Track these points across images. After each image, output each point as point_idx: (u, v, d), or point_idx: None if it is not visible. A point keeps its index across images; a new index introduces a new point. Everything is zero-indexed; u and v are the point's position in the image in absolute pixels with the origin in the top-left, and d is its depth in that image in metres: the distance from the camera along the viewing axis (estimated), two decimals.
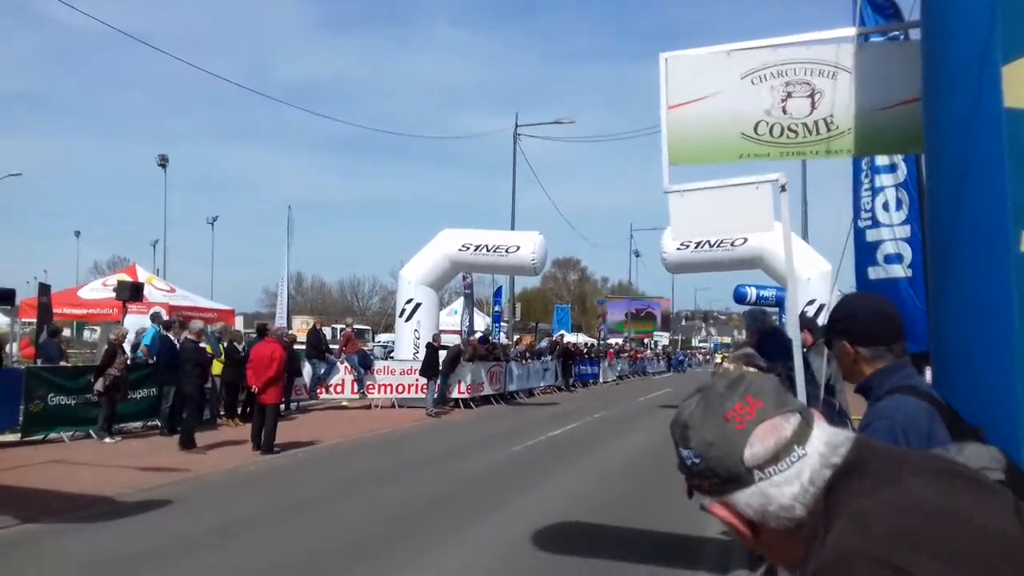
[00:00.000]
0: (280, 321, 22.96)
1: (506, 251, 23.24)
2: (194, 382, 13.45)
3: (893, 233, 7.85)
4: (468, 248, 23.25)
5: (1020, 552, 1.05)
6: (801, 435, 1.19)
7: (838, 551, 1.08)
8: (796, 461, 1.18)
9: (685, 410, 1.27)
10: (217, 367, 16.31)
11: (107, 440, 13.55)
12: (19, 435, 13.13)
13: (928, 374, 3.94)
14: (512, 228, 30.98)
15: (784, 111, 4.76)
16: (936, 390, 3.82)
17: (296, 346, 19.82)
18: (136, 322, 17.69)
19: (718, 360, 57.08)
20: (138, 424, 15.24)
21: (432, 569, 6.89)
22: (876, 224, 8.02)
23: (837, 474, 1.17)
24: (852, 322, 2.81)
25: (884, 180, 8.00)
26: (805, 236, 25.83)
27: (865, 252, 8.15)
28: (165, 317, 17.26)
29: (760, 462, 1.18)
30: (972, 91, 3.37)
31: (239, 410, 16.67)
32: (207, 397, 15.67)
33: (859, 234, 8.30)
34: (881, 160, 7.91)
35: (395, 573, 6.74)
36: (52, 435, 13.52)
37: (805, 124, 4.73)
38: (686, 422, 1.25)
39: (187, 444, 12.78)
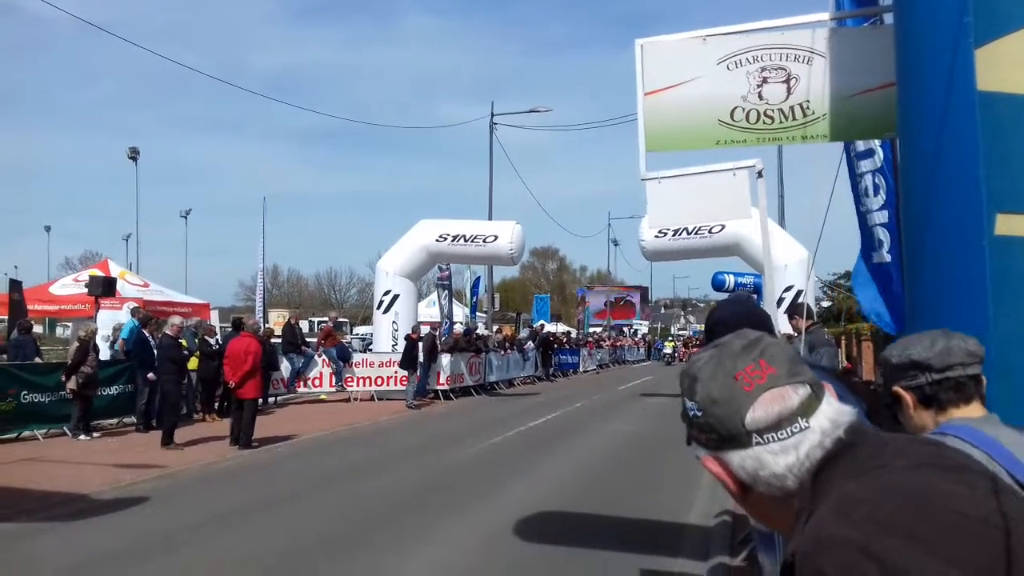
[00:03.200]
0: (258, 316, 22.77)
1: (484, 241, 23.17)
2: (173, 379, 13.22)
3: (876, 219, 7.89)
4: (445, 238, 23.16)
5: (998, 540, 1.04)
6: (808, 408, 1.18)
7: (816, 536, 1.07)
8: (797, 432, 1.17)
9: (697, 362, 1.26)
10: (193, 363, 16.16)
11: (81, 438, 13.39)
12: None
13: None
14: (490, 218, 30.90)
15: (760, 97, 4.75)
16: None
17: (274, 340, 19.72)
18: (109, 318, 17.47)
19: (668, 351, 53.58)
20: (112, 421, 15.07)
21: (413, 560, 6.86)
22: (868, 210, 8.07)
23: (828, 455, 1.16)
24: (722, 328, 2.92)
25: (862, 166, 8.04)
26: (782, 223, 25.94)
27: (866, 238, 8.21)
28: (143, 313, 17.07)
29: (760, 427, 1.17)
30: (945, 75, 3.37)
31: (216, 405, 16.54)
32: (184, 394, 15.53)
33: (862, 219, 8.35)
34: (860, 146, 7.94)
35: (376, 565, 6.71)
36: (26, 433, 13.35)
37: (781, 110, 4.72)
38: (695, 375, 1.24)
39: (167, 441, 12.54)
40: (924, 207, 3.64)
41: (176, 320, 13.93)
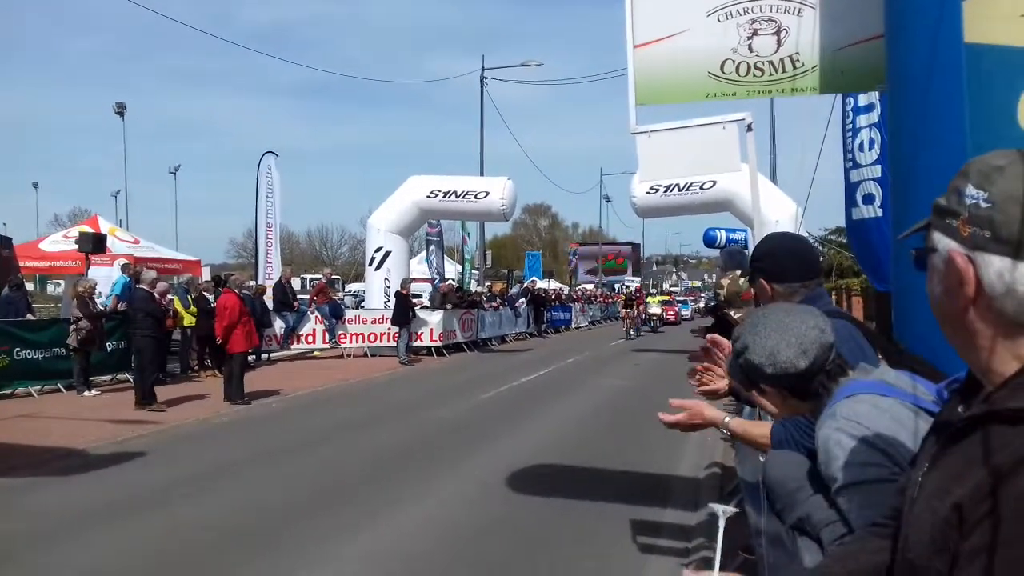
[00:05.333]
0: (271, 272, 22.56)
1: (475, 197, 23.11)
2: (149, 334, 12.72)
3: (868, 173, 7.93)
4: (436, 195, 23.09)
5: None
6: None
7: None
8: None
9: (1003, 156, 1.16)
10: (189, 319, 16.18)
11: (85, 394, 13.45)
12: None
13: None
14: (481, 174, 30.77)
15: (750, 49, 4.73)
16: (897, 327, 3.89)
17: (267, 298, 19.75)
18: (99, 274, 17.42)
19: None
20: (107, 377, 15.13)
21: (408, 512, 6.97)
22: (856, 165, 8.10)
23: None
24: (768, 261, 2.98)
25: (861, 121, 8.04)
26: (774, 178, 25.90)
27: (849, 192, 8.26)
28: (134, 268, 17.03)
29: None
30: (933, 26, 3.37)
31: (208, 362, 16.62)
32: (167, 350, 15.57)
33: (846, 174, 8.39)
34: (861, 100, 7.94)
35: (371, 517, 6.81)
36: (20, 389, 13.41)
37: (771, 62, 4.71)
38: (1002, 166, 1.15)
39: (143, 400, 12.13)
40: (912, 159, 3.66)
41: (150, 274, 13.63)
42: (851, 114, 8.22)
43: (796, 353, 2.01)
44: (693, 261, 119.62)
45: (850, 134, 8.27)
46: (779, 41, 4.66)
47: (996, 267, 1.12)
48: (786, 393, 2.07)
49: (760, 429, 2.82)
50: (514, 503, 7.24)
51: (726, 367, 3.01)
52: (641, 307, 35.82)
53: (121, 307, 15.47)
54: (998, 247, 1.12)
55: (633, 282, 71.69)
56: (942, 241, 1.19)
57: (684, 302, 53.90)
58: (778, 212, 18.84)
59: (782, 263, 2.90)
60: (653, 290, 57.12)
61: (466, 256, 35.13)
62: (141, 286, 13.31)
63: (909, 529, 1.19)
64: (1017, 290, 1.11)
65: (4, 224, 63.20)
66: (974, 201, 1.14)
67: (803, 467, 2.18)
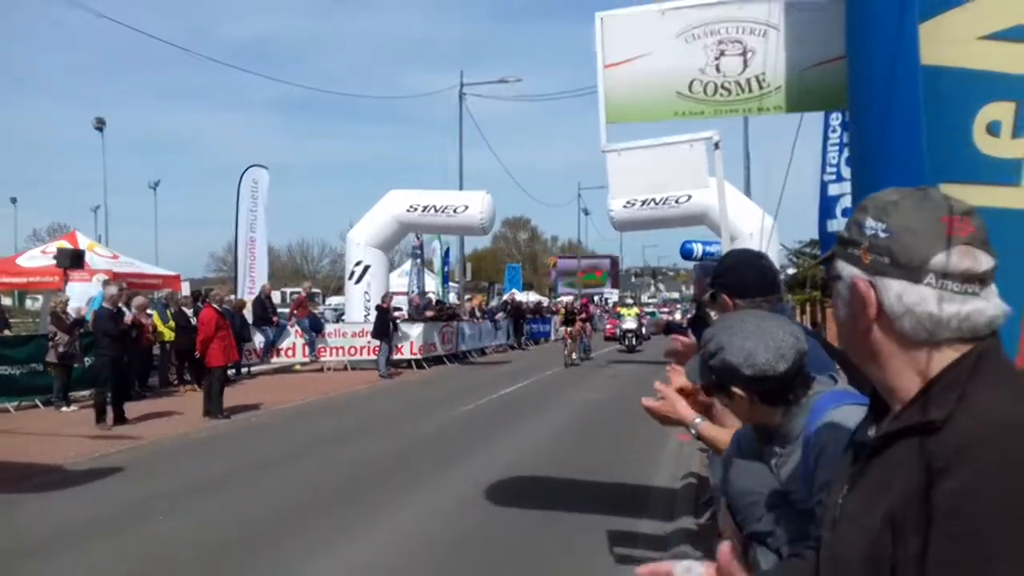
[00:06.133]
0: (253, 285, 22.42)
1: (454, 211, 23.15)
2: (107, 353, 12.32)
3: (846, 188, 8.09)
4: (416, 209, 23.11)
5: None
6: (987, 279, 1.22)
7: (1006, 420, 1.12)
8: (970, 294, 1.21)
9: (896, 193, 1.27)
10: (168, 335, 16.13)
11: (64, 409, 13.38)
12: None
13: None
14: (460, 188, 30.86)
15: (717, 69, 4.86)
16: None
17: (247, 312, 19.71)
18: (77, 290, 17.32)
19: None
20: (86, 392, 15.02)
21: (389, 525, 7.02)
22: (840, 178, 8.24)
23: (989, 335, 1.21)
24: (730, 277, 3.04)
25: (848, 137, 8.21)
26: (747, 191, 26.16)
27: (827, 205, 8.39)
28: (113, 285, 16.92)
29: (943, 271, 1.20)
30: (892, 49, 3.50)
31: (187, 376, 16.57)
32: (148, 365, 15.50)
33: (823, 187, 8.53)
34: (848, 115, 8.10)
35: (352, 531, 6.85)
36: None
37: (738, 82, 4.84)
38: (896, 201, 1.25)
39: (101, 418, 11.95)
40: (872, 178, 3.79)
41: (112, 289, 13.30)
42: (839, 128, 8.35)
43: (775, 356, 2.03)
44: (671, 273, 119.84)
45: (835, 147, 8.41)
46: (745, 62, 4.79)
47: (895, 290, 1.22)
48: (755, 398, 2.08)
49: (726, 436, 2.86)
50: (493, 515, 7.30)
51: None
52: (588, 325, 28.35)
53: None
54: (896, 272, 1.22)
55: (612, 294, 70.75)
56: (846, 269, 1.29)
57: (654, 314, 44.66)
58: (751, 225, 19.07)
59: (744, 279, 2.97)
60: (629, 300, 53.01)
61: (444, 268, 35.13)
62: (104, 304, 12.97)
63: (837, 548, 1.26)
64: (914, 310, 1.21)
65: None
66: (873, 232, 1.25)
67: (766, 478, 2.21)
